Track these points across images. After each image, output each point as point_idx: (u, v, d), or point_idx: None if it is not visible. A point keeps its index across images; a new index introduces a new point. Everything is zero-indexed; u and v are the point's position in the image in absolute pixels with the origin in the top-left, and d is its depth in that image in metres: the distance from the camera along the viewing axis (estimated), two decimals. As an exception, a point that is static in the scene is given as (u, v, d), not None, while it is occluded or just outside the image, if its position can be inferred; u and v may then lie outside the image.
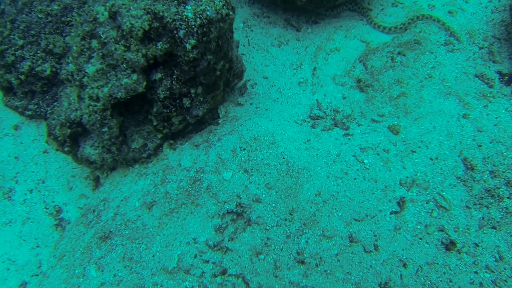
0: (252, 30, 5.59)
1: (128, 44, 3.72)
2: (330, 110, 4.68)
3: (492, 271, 3.68)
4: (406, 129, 4.39)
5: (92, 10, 3.87)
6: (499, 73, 4.77)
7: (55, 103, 4.72)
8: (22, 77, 4.56)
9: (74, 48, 3.94)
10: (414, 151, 4.25)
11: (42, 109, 4.86)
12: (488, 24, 5.23)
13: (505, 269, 3.68)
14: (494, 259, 3.73)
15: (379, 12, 5.70)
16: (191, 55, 3.74)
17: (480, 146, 4.21)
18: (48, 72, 4.51)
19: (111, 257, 3.83)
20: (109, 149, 4.23)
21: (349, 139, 4.39)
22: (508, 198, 3.94)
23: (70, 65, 3.99)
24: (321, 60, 5.23)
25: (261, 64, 5.30)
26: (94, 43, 3.84)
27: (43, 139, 4.89)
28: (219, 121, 4.62)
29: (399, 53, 4.81)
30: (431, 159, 4.20)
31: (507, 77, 4.72)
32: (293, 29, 5.64)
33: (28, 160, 4.96)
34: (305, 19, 5.71)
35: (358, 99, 4.73)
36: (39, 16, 4.32)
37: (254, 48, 5.44)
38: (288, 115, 4.67)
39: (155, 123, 4.19)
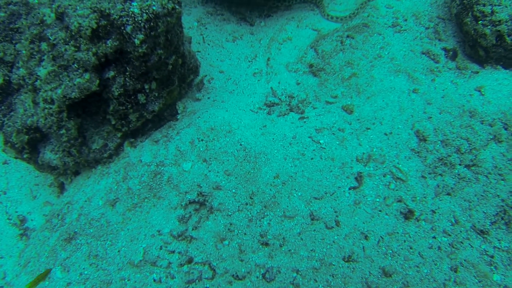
0: (206, 28, 5.68)
1: (78, 44, 3.75)
2: (285, 97, 4.79)
3: (449, 235, 3.81)
4: (360, 108, 4.53)
5: (39, 13, 3.89)
6: (445, 49, 4.97)
7: (12, 113, 4.69)
8: (-26, 88, 4.50)
9: (24, 52, 3.95)
10: (369, 128, 4.38)
11: (-1, 120, 4.80)
12: (432, 5, 5.44)
13: (461, 231, 3.82)
14: (450, 223, 3.87)
15: (330, 1, 5.86)
16: (140, 50, 3.79)
17: (431, 117, 4.37)
18: (0, 81, 4.46)
19: (76, 256, 3.82)
20: (69, 151, 4.22)
21: (305, 121, 4.49)
22: (460, 164, 4.10)
23: (21, 69, 4.00)
24: (274, 50, 5.36)
25: (217, 59, 5.39)
26: (44, 45, 3.85)
27: (1, 151, 4.84)
28: (178, 117, 4.67)
29: (348, 36, 4.96)
30: (385, 134, 4.34)
31: (451, 53, 4.92)
32: (246, 24, 5.75)
33: (-13, 173, 4.90)
34: (258, 13, 5.84)
35: (312, 84, 4.86)
36: (-13, 24, 4.29)
37: (209, 45, 5.52)
38: (244, 105, 4.76)
39: (113, 122, 4.22)
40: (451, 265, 3.66)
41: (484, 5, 4.53)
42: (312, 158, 4.15)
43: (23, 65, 3.96)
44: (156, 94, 4.22)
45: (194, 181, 3.97)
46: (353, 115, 4.50)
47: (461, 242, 3.76)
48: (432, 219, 3.89)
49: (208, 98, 4.96)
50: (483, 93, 4.46)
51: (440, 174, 4.10)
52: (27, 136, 4.18)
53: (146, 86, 4.09)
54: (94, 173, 4.44)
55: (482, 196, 3.93)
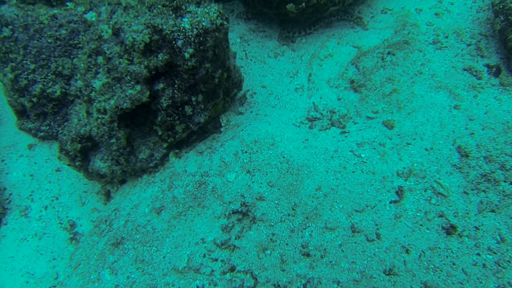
0: (249, 44, 5.87)
1: (131, 58, 3.97)
2: (327, 111, 4.88)
3: (495, 253, 3.75)
4: (400, 123, 4.56)
5: (97, 29, 4.16)
6: (487, 66, 4.95)
7: (66, 123, 4.97)
8: (35, 99, 4.79)
9: (82, 65, 4.22)
10: (409, 143, 4.40)
11: (53, 130, 5.08)
12: (474, 22, 5.45)
13: (507, 250, 3.75)
14: (495, 241, 3.81)
15: (370, 19, 5.95)
16: (190, 64, 3.97)
17: (473, 133, 4.35)
18: (58, 93, 4.75)
19: (124, 260, 3.98)
20: (117, 160, 4.43)
21: (346, 136, 4.56)
22: (504, 181, 4.05)
23: (79, 81, 4.27)
24: (316, 66, 5.47)
25: (259, 74, 5.55)
26: (100, 59, 4.11)
27: (55, 158, 5.14)
28: (221, 130, 4.83)
29: (389, 53, 5.03)
30: (426, 149, 4.35)
31: (494, 69, 4.90)
32: (288, 41, 5.91)
33: (42, 179, 5.18)
34: (299, 30, 5.98)
35: (353, 99, 4.93)
36: (49, 41, 4.60)
37: (251, 60, 5.70)
38: (286, 119, 4.88)
39: (160, 133, 4.41)
40: (498, 284, 3.60)
41: (529, 22, 4.52)
42: (353, 172, 4.20)
43: (80, 78, 4.22)
44: (202, 107, 4.40)
45: (238, 191, 4.09)
46: (393, 130, 4.54)
47: (508, 261, 3.70)
48: (476, 236, 3.85)
49: (251, 112, 5.10)
50: (528, 110, 4.43)
51: (483, 191, 4.07)
52: (80, 145, 4.42)
53: (193, 99, 4.27)
54: (140, 182, 4.62)
55: (530, 214, 3.88)
